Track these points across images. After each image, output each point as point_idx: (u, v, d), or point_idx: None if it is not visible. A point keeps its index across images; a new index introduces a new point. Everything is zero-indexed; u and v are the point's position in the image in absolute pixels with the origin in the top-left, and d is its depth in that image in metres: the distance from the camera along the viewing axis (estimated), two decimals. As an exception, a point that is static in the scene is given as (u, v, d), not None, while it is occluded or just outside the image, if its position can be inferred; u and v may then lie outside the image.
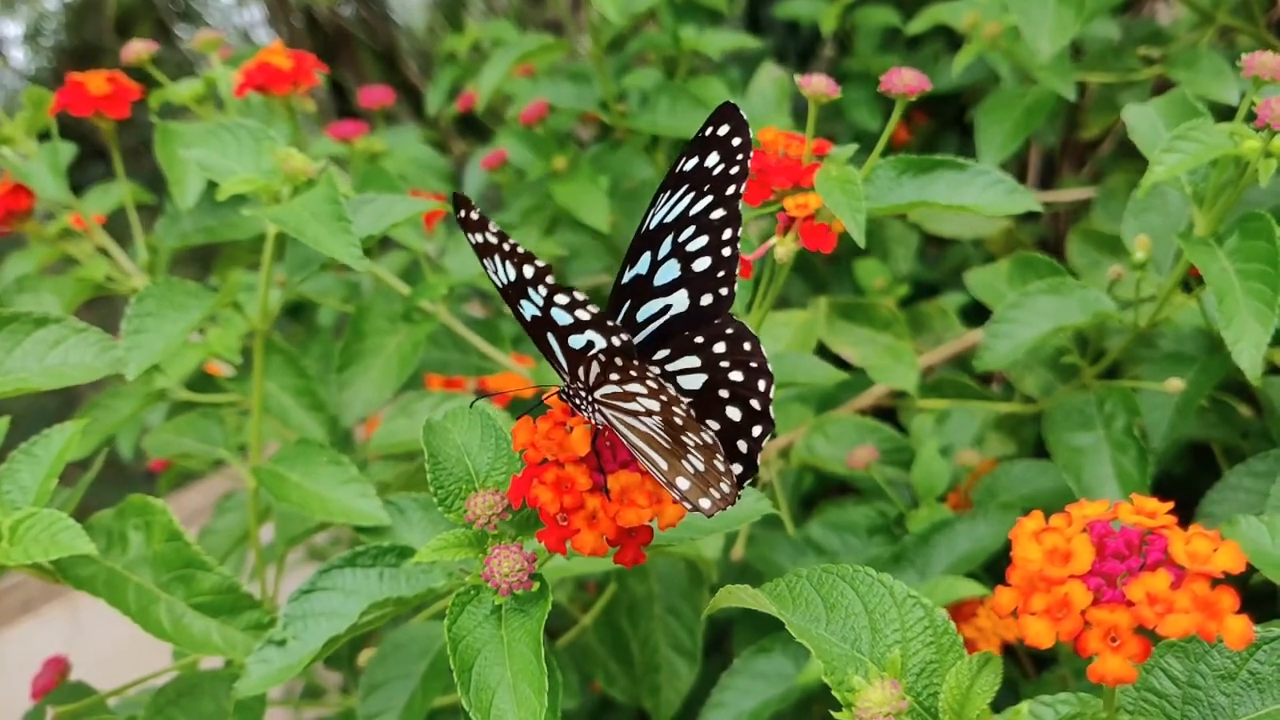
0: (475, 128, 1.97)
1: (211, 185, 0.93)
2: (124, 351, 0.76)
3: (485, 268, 0.57)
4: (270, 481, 0.83)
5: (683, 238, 0.61)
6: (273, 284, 0.85)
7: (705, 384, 0.60)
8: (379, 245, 1.33)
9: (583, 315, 0.56)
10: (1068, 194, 1.48)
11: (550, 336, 0.58)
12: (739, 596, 0.56)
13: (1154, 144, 0.85)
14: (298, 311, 1.57)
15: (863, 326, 1.25)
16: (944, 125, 1.80)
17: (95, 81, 1.02)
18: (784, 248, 0.82)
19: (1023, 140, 1.21)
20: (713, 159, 0.60)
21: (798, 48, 2.02)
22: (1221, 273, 0.78)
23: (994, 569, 1.12)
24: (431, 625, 0.84)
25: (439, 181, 1.46)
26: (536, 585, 0.59)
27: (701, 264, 0.61)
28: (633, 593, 1.01)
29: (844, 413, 1.18)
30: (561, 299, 0.55)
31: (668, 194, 0.61)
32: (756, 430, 0.59)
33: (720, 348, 0.60)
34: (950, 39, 1.66)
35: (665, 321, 0.62)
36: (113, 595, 0.72)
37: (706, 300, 0.61)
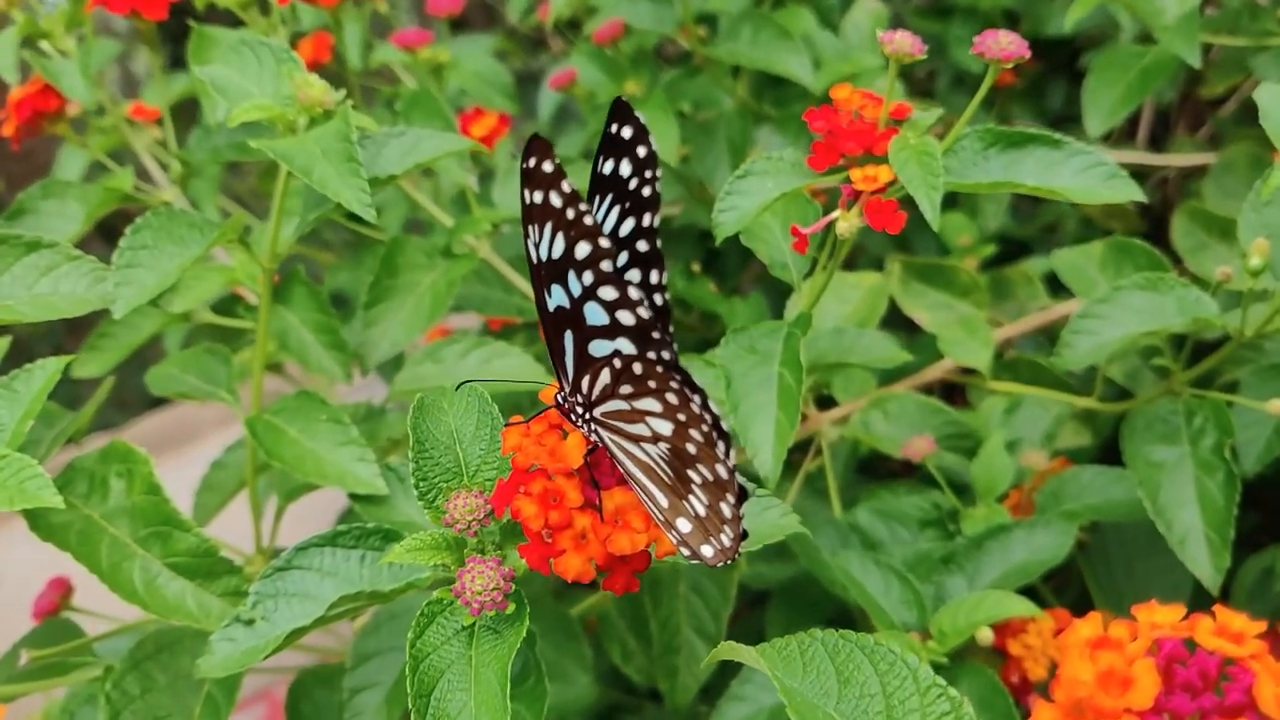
0: (572, 29, 1.85)
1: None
2: (113, 286, 0.70)
3: (526, 233, 0.48)
4: (266, 434, 0.77)
5: (622, 263, 0.53)
6: (288, 217, 0.79)
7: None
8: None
9: (625, 318, 0.48)
10: (1180, 158, 1.36)
11: (568, 334, 0.50)
12: (740, 653, 0.49)
13: (1289, 134, 0.74)
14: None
15: (940, 291, 1.16)
16: (1054, 69, 1.67)
17: (133, -22, 0.96)
18: (846, 223, 0.73)
19: (1135, 106, 1.09)
20: (625, 168, 0.51)
21: (902, -23, 1.89)
22: (1348, 288, 0.68)
23: (1052, 577, 1.03)
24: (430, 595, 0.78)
25: (503, 99, 1.38)
26: (513, 606, 0.52)
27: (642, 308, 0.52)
28: (656, 566, 0.94)
29: (907, 387, 1.09)
30: (608, 293, 0.47)
31: (597, 201, 0.52)
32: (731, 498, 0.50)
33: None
34: (1068, -23, 1.52)
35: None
36: (84, 549, 0.67)
37: (651, 356, 0.52)
